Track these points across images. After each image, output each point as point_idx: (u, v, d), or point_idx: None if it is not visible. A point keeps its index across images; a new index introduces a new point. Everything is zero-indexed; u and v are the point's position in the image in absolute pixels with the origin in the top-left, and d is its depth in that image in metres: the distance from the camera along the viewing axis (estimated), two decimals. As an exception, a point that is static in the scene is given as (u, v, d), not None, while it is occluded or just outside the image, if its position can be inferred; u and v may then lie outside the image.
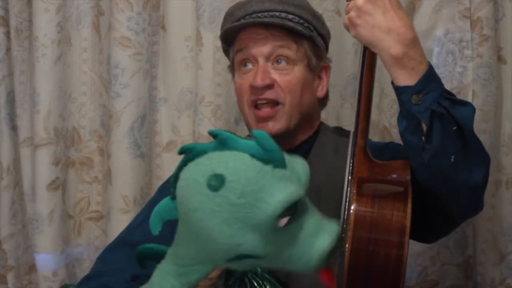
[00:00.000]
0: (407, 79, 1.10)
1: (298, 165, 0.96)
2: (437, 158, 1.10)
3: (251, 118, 1.35)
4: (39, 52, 1.80)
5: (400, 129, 1.14)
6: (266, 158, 0.92)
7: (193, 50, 1.78)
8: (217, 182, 0.91)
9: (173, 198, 1.01)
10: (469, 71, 1.62)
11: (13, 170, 1.92)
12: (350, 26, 1.14)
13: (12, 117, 1.90)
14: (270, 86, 1.32)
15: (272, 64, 1.34)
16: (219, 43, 1.47)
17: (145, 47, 1.81)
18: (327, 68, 1.43)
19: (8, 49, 1.88)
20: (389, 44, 1.10)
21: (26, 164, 1.87)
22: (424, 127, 1.10)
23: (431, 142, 1.10)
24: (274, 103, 1.33)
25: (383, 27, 1.10)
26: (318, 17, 1.41)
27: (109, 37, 1.79)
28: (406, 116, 1.12)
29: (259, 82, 1.31)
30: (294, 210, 0.93)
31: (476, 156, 1.14)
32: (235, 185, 0.90)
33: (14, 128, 1.91)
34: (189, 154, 0.97)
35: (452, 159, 1.10)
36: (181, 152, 0.98)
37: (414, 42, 1.11)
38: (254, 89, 1.33)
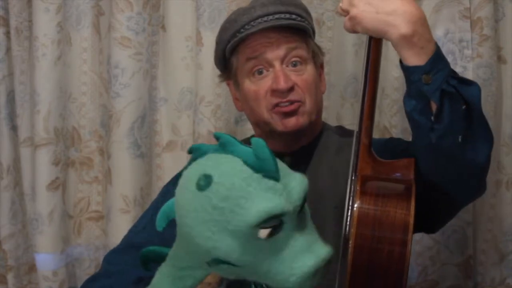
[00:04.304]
0: (416, 59, 1.10)
1: (294, 181, 0.92)
2: (445, 138, 1.10)
3: (273, 118, 1.33)
4: (39, 52, 1.80)
5: (407, 109, 1.14)
6: (257, 166, 0.91)
7: (193, 50, 1.78)
8: (204, 182, 0.90)
9: None
10: (469, 71, 1.63)
11: (13, 170, 1.91)
12: (354, 24, 1.13)
13: (12, 117, 1.90)
14: (291, 89, 1.30)
15: (287, 66, 1.33)
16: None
17: (145, 47, 1.80)
18: (322, 64, 1.44)
19: (8, 49, 1.88)
20: (398, 25, 1.09)
21: (26, 164, 1.87)
22: (434, 107, 1.10)
23: (441, 122, 1.10)
24: (294, 102, 1.32)
25: (387, 10, 1.10)
26: (310, 13, 1.41)
27: (109, 37, 1.79)
28: (415, 96, 1.12)
29: (283, 85, 1.29)
30: (278, 223, 0.90)
31: (482, 135, 1.14)
32: (219, 187, 0.89)
33: (14, 128, 1.90)
34: (195, 153, 0.97)
35: (460, 139, 1.10)
36: (189, 151, 0.98)
37: (422, 20, 1.10)
38: (276, 92, 1.31)
